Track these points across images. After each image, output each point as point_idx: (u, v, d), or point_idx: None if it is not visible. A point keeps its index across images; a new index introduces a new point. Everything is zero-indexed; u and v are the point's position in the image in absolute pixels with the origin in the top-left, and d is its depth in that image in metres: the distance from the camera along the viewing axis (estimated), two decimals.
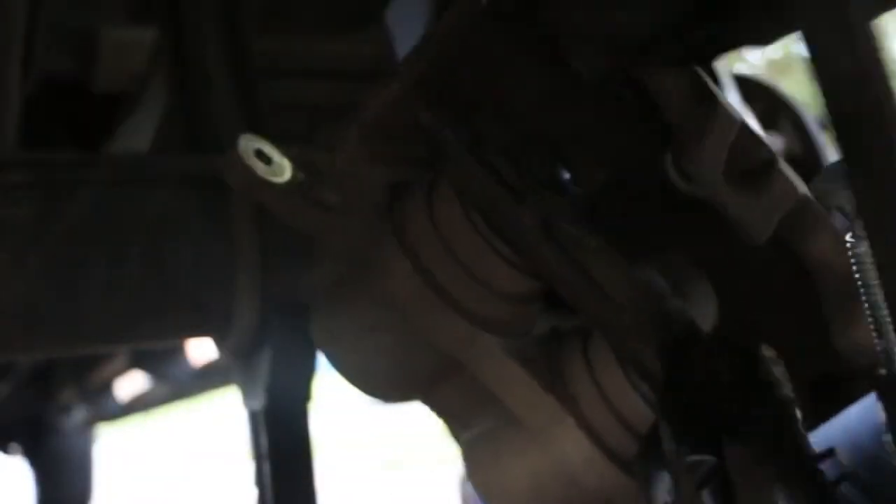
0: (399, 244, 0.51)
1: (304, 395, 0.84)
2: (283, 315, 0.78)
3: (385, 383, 0.56)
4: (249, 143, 0.54)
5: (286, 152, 0.54)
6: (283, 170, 0.54)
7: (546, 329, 0.55)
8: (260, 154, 0.54)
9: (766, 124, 1.07)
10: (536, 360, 0.52)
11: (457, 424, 0.56)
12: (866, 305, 0.43)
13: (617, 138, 0.49)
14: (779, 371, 0.46)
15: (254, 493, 0.85)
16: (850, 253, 0.44)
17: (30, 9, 0.93)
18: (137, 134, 1.06)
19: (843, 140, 0.35)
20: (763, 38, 0.49)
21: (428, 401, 0.56)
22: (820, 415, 0.50)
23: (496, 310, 0.51)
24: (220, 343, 0.83)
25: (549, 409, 0.50)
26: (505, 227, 0.50)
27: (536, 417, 0.51)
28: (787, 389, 0.46)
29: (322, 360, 0.60)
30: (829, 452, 0.48)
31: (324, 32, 0.89)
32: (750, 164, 0.45)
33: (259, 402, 0.83)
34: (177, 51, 0.91)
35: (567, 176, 0.53)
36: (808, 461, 0.45)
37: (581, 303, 0.50)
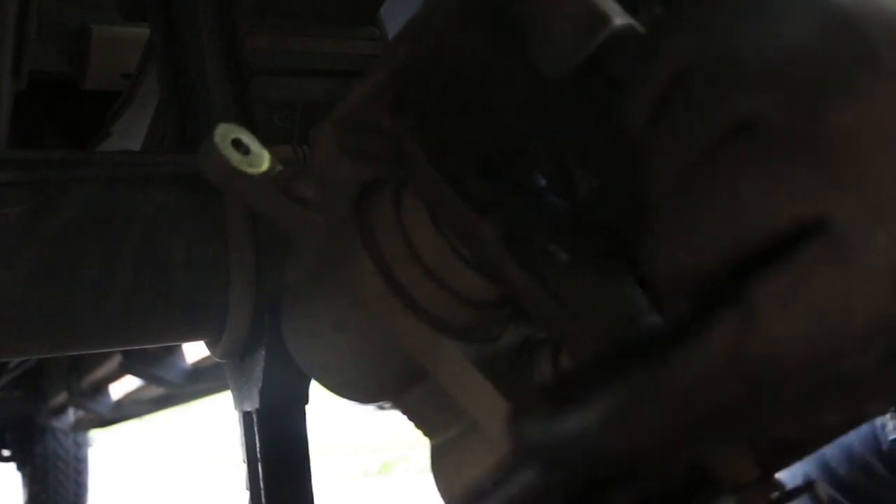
0: (363, 242, 0.50)
1: (300, 398, 0.83)
2: (278, 316, 0.77)
3: (351, 383, 0.55)
4: (227, 132, 0.53)
5: (276, 149, 0.53)
6: (260, 160, 0.53)
7: (519, 338, 0.53)
8: (238, 143, 0.53)
9: None
10: (502, 368, 0.51)
11: (427, 429, 0.55)
12: None
13: (602, 144, 0.48)
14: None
15: (247, 496, 0.84)
16: None
17: (21, 7, 0.92)
18: (130, 132, 1.05)
19: None
20: None
21: (398, 404, 0.55)
22: None
23: (459, 314, 0.50)
24: (213, 345, 0.82)
25: None
26: (464, 239, 0.49)
27: (497, 427, 0.50)
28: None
29: None
30: (809, 486, 0.47)
31: (319, 30, 0.88)
32: None
33: (252, 405, 0.82)
34: (169, 48, 0.90)
35: (545, 185, 0.51)
36: None
37: (543, 320, 0.49)
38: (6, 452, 2.72)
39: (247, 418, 0.84)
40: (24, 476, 2.69)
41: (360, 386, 0.55)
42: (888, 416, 1.27)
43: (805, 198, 0.31)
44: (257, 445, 0.83)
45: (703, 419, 0.31)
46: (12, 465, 2.74)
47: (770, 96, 0.32)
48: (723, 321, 0.31)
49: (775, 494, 0.47)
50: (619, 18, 0.44)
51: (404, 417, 0.56)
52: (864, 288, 0.30)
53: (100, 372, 2.19)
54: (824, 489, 0.49)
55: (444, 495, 0.54)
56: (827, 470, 1.24)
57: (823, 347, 0.30)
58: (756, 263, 0.31)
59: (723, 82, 0.33)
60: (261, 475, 0.82)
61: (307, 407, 0.84)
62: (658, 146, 0.35)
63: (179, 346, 1.87)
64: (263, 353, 0.80)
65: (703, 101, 0.34)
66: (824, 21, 0.32)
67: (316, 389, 0.83)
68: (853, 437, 1.29)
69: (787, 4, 0.33)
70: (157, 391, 2.35)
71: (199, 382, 2.15)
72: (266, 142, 0.58)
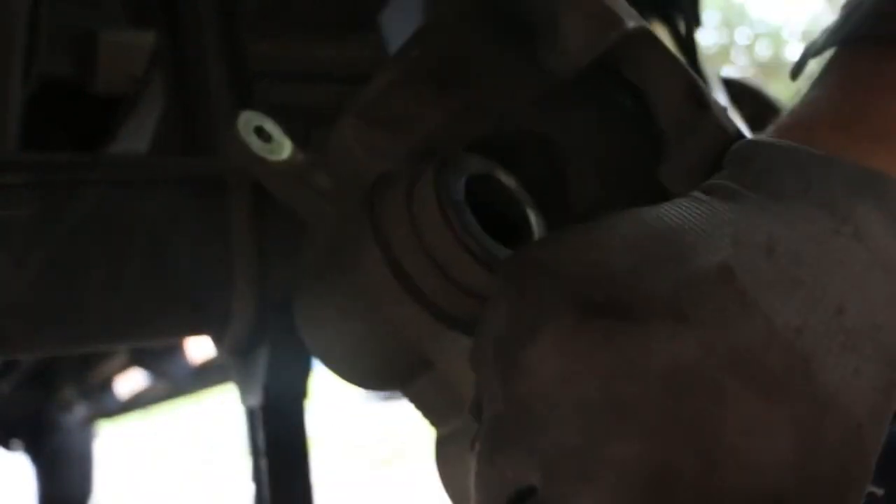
0: (373, 232, 0.51)
1: (301, 393, 0.85)
2: (281, 313, 0.79)
3: (359, 370, 0.56)
4: (250, 119, 0.54)
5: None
6: (282, 148, 0.54)
7: None
8: (260, 131, 0.54)
9: (753, 127, 1.07)
10: None
11: (433, 419, 0.56)
12: None
13: (612, 147, 0.48)
14: None
15: (251, 488, 0.86)
16: None
17: (31, 11, 0.94)
18: (136, 136, 1.06)
19: None
20: None
21: (406, 392, 0.56)
22: None
23: (463, 306, 0.50)
24: (218, 341, 0.84)
25: None
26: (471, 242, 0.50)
27: None
28: None
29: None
30: None
31: (320, 36, 0.89)
32: None
33: (257, 400, 0.84)
34: (173, 53, 0.92)
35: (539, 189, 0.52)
36: None
37: None
38: (18, 446, 2.75)
39: (251, 413, 0.86)
40: (35, 469, 2.72)
41: (367, 373, 0.56)
42: None
43: (520, 471, 0.38)
44: (261, 440, 0.85)
45: None
46: (23, 460, 2.77)
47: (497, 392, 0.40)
48: None
49: None
50: (632, 21, 0.45)
51: (412, 406, 0.57)
52: None
53: (107, 367, 2.21)
54: None
55: (444, 484, 0.55)
56: None
57: None
58: None
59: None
60: (264, 468, 0.84)
61: (307, 401, 0.86)
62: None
63: (183, 342, 1.88)
64: (267, 349, 0.82)
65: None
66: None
67: (315, 385, 0.85)
68: None
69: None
70: (162, 385, 2.37)
71: (203, 377, 2.17)
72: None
